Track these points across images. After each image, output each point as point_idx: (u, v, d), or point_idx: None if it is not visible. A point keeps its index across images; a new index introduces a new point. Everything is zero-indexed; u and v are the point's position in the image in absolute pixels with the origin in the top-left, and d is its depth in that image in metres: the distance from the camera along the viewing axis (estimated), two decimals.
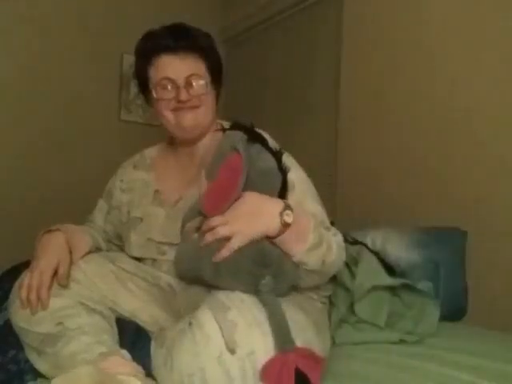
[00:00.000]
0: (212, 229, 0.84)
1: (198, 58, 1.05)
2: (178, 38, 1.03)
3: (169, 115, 1.05)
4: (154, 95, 1.04)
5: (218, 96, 1.12)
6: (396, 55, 1.88)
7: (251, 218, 0.83)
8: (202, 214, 0.89)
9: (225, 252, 0.81)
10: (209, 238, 0.83)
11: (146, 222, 1.11)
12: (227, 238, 0.82)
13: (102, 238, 1.18)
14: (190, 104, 1.04)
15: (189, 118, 1.05)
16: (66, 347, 0.90)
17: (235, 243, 0.81)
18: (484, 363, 0.98)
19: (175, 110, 1.04)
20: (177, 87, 1.02)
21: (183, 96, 1.01)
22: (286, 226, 0.83)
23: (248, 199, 0.85)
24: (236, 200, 0.84)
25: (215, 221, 0.84)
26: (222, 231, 0.82)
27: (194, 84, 1.03)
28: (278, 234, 0.83)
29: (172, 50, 1.02)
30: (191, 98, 1.03)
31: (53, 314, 0.91)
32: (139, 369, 0.89)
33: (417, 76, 1.79)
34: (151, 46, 1.04)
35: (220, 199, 0.85)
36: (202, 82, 1.04)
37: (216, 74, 1.10)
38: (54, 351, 0.90)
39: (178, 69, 1.02)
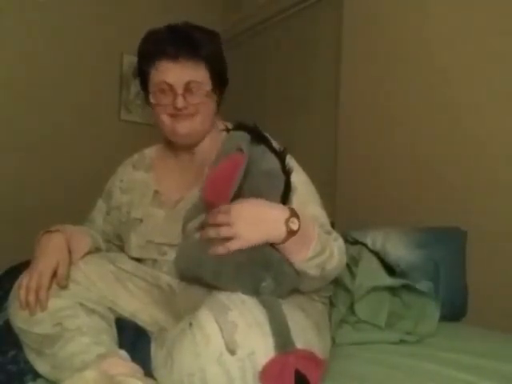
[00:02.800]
0: (216, 225, 0.83)
1: (200, 66, 1.04)
2: (179, 44, 1.02)
3: (165, 119, 1.05)
4: (151, 99, 1.04)
5: (219, 100, 1.11)
6: (396, 55, 1.88)
7: (256, 223, 0.82)
8: (203, 210, 0.89)
9: (221, 250, 0.81)
10: (211, 233, 0.83)
11: (145, 224, 1.11)
12: (228, 238, 0.82)
13: (102, 238, 1.18)
14: (187, 112, 1.03)
15: (184, 126, 1.04)
16: (65, 348, 0.90)
17: (234, 246, 0.81)
18: (484, 363, 0.98)
19: (171, 115, 1.04)
20: (174, 93, 1.02)
21: (180, 103, 1.01)
22: (291, 233, 0.82)
23: (255, 202, 0.84)
24: (236, 190, 0.84)
25: (221, 218, 0.82)
26: (225, 232, 0.81)
27: (193, 91, 1.03)
28: (282, 242, 0.82)
29: (173, 57, 1.01)
30: (188, 106, 1.02)
31: (52, 314, 0.91)
32: (138, 368, 0.89)
33: (417, 75, 1.79)
34: (153, 50, 1.04)
35: (220, 188, 0.84)
36: (201, 89, 1.04)
37: (219, 81, 1.09)
38: (53, 352, 0.90)
39: (177, 75, 1.01)
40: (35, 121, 2.32)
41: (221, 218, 0.82)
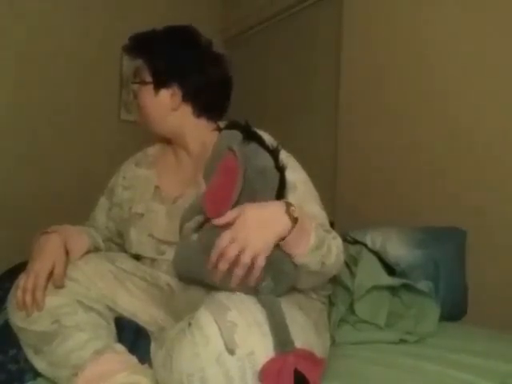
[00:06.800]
0: (226, 254, 0.79)
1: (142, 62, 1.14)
2: (130, 40, 1.16)
3: None
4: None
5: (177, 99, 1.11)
6: (396, 54, 1.88)
7: (262, 229, 0.80)
8: (202, 213, 0.88)
9: (256, 273, 0.79)
10: (239, 272, 0.78)
11: (147, 218, 1.12)
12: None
13: (102, 237, 1.18)
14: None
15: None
16: (63, 345, 0.90)
17: (260, 262, 0.79)
18: (484, 363, 0.98)
19: None
20: None
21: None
22: (295, 221, 0.82)
23: (250, 212, 0.81)
24: (235, 200, 0.83)
25: (231, 252, 0.78)
26: (246, 259, 0.78)
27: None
28: (290, 232, 0.81)
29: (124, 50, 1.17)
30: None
31: (50, 312, 0.91)
32: (133, 360, 0.90)
33: (417, 75, 1.79)
34: None
35: (220, 202, 0.84)
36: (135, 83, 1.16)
37: (160, 77, 1.11)
38: (50, 349, 0.90)
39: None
40: (35, 120, 2.32)
41: (231, 252, 0.78)
